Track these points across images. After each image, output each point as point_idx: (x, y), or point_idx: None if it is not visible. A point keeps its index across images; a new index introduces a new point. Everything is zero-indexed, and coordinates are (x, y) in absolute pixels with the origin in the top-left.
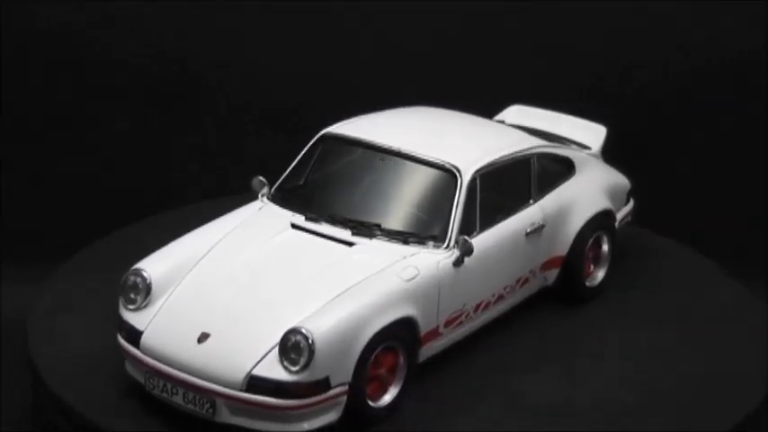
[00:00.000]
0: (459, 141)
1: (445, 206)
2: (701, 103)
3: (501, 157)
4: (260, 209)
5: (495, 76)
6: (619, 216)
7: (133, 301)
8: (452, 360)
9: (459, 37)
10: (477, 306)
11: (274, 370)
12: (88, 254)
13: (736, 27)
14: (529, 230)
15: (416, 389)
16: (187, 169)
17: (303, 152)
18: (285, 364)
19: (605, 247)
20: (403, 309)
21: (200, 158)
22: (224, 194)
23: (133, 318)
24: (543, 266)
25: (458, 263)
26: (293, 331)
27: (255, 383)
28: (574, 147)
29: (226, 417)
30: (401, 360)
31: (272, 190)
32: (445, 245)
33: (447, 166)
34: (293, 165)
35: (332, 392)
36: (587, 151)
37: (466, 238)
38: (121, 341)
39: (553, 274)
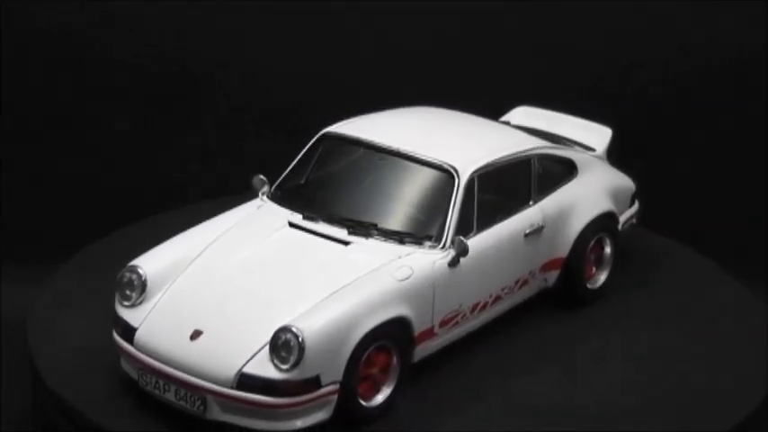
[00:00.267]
0: (459, 142)
1: (442, 206)
2: (701, 103)
3: (500, 158)
4: (259, 207)
5: (495, 76)
6: (622, 218)
7: (128, 298)
8: (450, 360)
9: (459, 37)
10: (474, 307)
11: (265, 368)
12: (88, 254)
13: (736, 27)
14: (528, 231)
15: (413, 389)
16: (187, 169)
17: (303, 151)
18: (275, 362)
19: (608, 250)
20: (396, 308)
21: (200, 158)
22: (224, 194)
23: (128, 314)
24: (543, 268)
25: (453, 263)
26: (284, 329)
27: (246, 381)
28: (578, 148)
29: (217, 414)
30: (394, 360)
31: (272, 189)
32: (441, 245)
33: (445, 166)
34: (293, 164)
35: (322, 391)
36: (592, 153)
37: (461, 238)
38: (116, 337)
39: (553, 276)
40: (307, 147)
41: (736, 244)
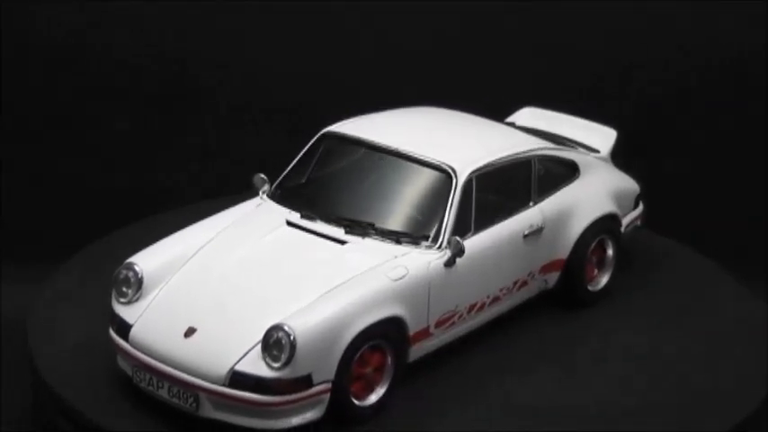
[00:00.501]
0: (458, 142)
1: (440, 206)
2: (701, 103)
3: (499, 159)
4: (258, 206)
5: (495, 76)
6: (626, 220)
7: (125, 295)
8: (448, 360)
9: (459, 37)
10: (471, 307)
11: (257, 366)
12: (88, 254)
13: (736, 27)
14: (527, 232)
15: (410, 388)
16: (187, 169)
17: (304, 151)
18: (267, 360)
19: (610, 252)
20: (390, 308)
21: (200, 158)
22: (224, 194)
23: (124, 311)
24: (543, 269)
25: (449, 263)
26: (275, 328)
27: (238, 379)
28: (581, 150)
29: (209, 411)
30: (388, 360)
31: (272, 188)
32: (437, 245)
33: (443, 166)
34: (293, 163)
35: (314, 390)
36: (595, 154)
37: (458, 238)
38: (112, 334)
39: (554, 278)
40: (307, 146)
41: (736, 244)
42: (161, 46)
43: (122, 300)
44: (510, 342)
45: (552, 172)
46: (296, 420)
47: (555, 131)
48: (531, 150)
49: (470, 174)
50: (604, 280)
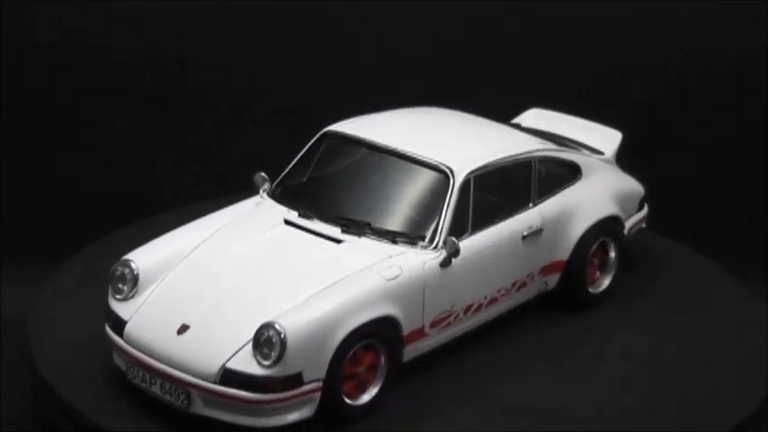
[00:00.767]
0: (457, 143)
1: (437, 207)
2: (701, 103)
3: (498, 160)
4: (257, 204)
5: (495, 77)
6: (629, 222)
7: (120, 292)
8: (445, 360)
9: (459, 37)
10: (468, 308)
11: (248, 364)
12: (88, 254)
13: (736, 27)
14: (525, 234)
15: (406, 388)
16: (187, 169)
17: (304, 150)
18: (258, 358)
19: (612, 254)
20: (383, 308)
21: (200, 158)
22: (224, 194)
23: (119, 308)
24: (543, 271)
25: (445, 264)
26: (266, 326)
27: (229, 376)
28: (585, 151)
29: (200, 408)
30: (382, 359)
31: (272, 186)
32: (433, 245)
33: (440, 166)
34: (293, 162)
35: (305, 388)
36: (600, 156)
37: (453, 239)
38: (108, 330)
39: (554, 279)
40: (308, 145)
41: (736, 244)
42: (161, 46)
43: (118, 296)
44: (509, 342)
45: (554, 173)
46: (287, 419)
47: (560, 133)
48: (532, 151)
49: (468, 174)
50: (606, 282)
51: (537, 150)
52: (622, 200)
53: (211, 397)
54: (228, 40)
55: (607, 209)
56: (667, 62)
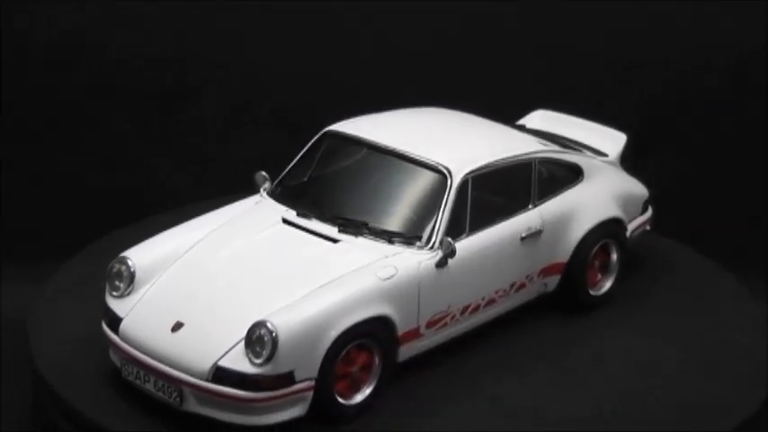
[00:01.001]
0: (457, 143)
1: (434, 207)
2: (701, 103)
3: (497, 161)
4: (256, 203)
5: (495, 77)
6: (632, 225)
7: (117, 289)
8: (442, 360)
9: (460, 37)
10: (465, 308)
11: (240, 362)
12: (88, 254)
13: (736, 27)
14: (524, 235)
15: (401, 388)
16: (187, 169)
17: (305, 149)
18: (250, 356)
19: (614, 256)
20: (377, 307)
21: (200, 158)
22: (224, 194)
23: (116, 305)
24: (542, 272)
25: (441, 264)
26: (258, 324)
27: (221, 374)
28: (588, 153)
29: (193, 406)
30: (376, 359)
31: (272, 186)
32: (429, 246)
33: (438, 167)
34: (294, 162)
35: (296, 387)
36: (603, 158)
37: (449, 239)
38: (104, 327)
39: (554, 281)
40: (308, 145)
41: (736, 244)
42: (161, 46)
43: (115, 293)
44: (509, 343)
45: (555, 175)
46: (279, 417)
47: (565, 134)
48: (532, 152)
49: (466, 175)
50: (608, 285)
51: (537, 151)
52: (625, 202)
53: (203, 395)
54: (228, 40)
55: (609, 211)
56: (667, 62)
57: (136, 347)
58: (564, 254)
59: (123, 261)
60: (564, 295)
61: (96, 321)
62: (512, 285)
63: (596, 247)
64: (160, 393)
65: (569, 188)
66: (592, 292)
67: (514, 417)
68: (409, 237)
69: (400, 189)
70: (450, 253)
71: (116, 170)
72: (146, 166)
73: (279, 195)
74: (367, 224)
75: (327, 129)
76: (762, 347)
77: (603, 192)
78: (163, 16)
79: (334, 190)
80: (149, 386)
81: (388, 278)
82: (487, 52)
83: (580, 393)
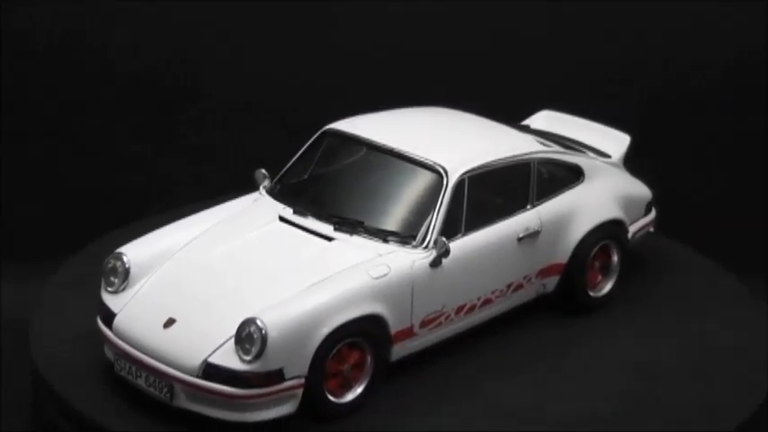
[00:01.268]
0: (455, 143)
1: (430, 206)
2: (702, 103)
3: (495, 161)
4: (255, 201)
5: (495, 77)
6: (635, 227)
7: (112, 284)
8: (439, 360)
9: (460, 37)
10: (460, 308)
11: (229, 359)
12: (88, 254)
13: (736, 27)
14: (522, 235)
15: (396, 387)
16: (187, 169)
17: (305, 147)
18: (239, 353)
19: (615, 258)
20: (369, 306)
21: (200, 158)
22: (224, 194)
23: (110, 300)
24: (541, 273)
25: (435, 264)
26: (248, 321)
27: (211, 371)
28: (590, 154)
29: (183, 402)
30: (368, 358)
31: (271, 183)
32: (424, 245)
33: (435, 166)
34: (293, 159)
35: (286, 384)
36: (606, 159)
37: (444, 239)
38: (99, 323)
39: (553, 282)
40: (308, 143)
41: (736, 244)
42: (161, 46)
43: (110, 289)
44: (508, 343)
45: (556, 176)
46: (268, 414)
47: (569, 135)
48: (530, 153)
49: (462, 175)
50: (608, 286)
51: (536, 152)
52: (627, 203)
53: (193, 391)
54: (228, 40)
55: (609, 212)
56: (667, 62)
57: (128, 343)
58: (563, 255)
59: (118, 257)
60: (563, 296)
61: (96, 321)
62: (509, 286)
63: (596, 249)
64: (151, 389)
65: (569, 189)
66: (592, 294)
67: (512, 417)
68: (404, 236)
69: (397, 188)
70: (445, 252)
71: (116, 170)
72: (146, 166)
73: (277, 193)
74: (362, 223)
75: (327, 127)
76: (761, 348)
77: (604, 193)
78: (163, 16)
79: (331, 188)
80: (141, 382)
81: (381, 277)
82: (487, 53)
83: (579, 394)
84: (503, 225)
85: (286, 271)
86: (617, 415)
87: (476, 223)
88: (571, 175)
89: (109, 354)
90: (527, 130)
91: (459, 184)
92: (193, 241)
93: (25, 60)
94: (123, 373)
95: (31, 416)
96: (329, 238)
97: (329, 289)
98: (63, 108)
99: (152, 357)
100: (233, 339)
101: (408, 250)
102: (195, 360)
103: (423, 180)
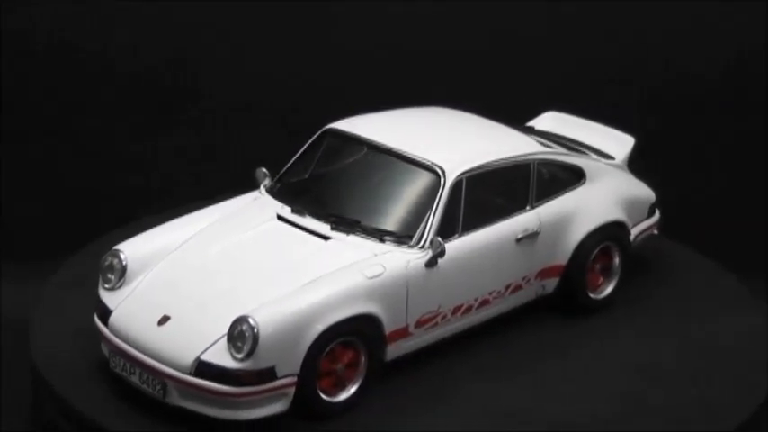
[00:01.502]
0: (455, 143)
1: (427, 207)
2: (702, 103)
3: (493, 161)
4: (255, 199)
5: (496, 77)
6: (637, 229)
7: (109, 281)
8: (437, 360)
9: (461, 37)
10: (457, 309)
11: (222, 356)
12: (88, 254)
13: (736, 27)
14: (520, 236)
15: (391, 387)
16: (187, 169)
17: (305, 147)
18: (231, 351)
19: (616, 260)
20: (363, 305)
21: (200, 158)
22: (224, 194)
23: (107, 297)
24: (540, 274)
25: (431, 264)
26: (240, 320)
27: (203, 368)
28: (593, 156)
29: (176, 399)
30: (362, 357)
31: (271, 182)
32: (420, 245)
33: (433, 166)
34: (294, 159)
35: (278, 383)
36: (609, 161)
37: (439, 239)
38: (95, 319)
39: (552, 284)
40: (309, 142)
41: (736, 244)
42: (161, 46)
43: (107, 286)
44: (507, 343)
45: (557, 177)
46: (260, 412)
47: (573, 136)
48: (530, 154)
49: (460, 175)
50: (609, 288)
51: (536, 153)
52: (629, 205)
53: (186, 388)
54: (228, 40)
55: (610, 214)
56: (667, 62)
57: (123, 340)
58: (563, 256)
59: (116, 254)
60: (563, 298)
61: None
62: (507, 287)
63: (596, 251)
64: (145, 386)
65: (570, 190)
66: (592, 296)
67: (511, 417)
68: (401, 236)
69: (395, 188)
70: (440, 253)
71: (116, 170)
72: (146, 166)
73: (277, 192)
74: (359, 222)
75: (327, 127)
76: (761, 348)
77: (606, 195)
78: (163, 16)
79: (331, 188)
80: (135, 378)
81: (375, 276)
82: (487, 53)
83: (579, 395)
84: (501, 226)
85: (281, 270)
86: (617, 415)
87: (473, 224)
88: (572, 177)
89: (105, 350)
90: (531, 131)
91: (457, 185)
92: (191, 239)
93: (25, 60)
94: (118, 370)
95: (31, 416)
96: (326, 238)
97: (322, 288)
98: (63, 108)
99: (146, 354)
100: (226, 337)
101: (404, 250)
102: (188, 357)
103: (421, 180)
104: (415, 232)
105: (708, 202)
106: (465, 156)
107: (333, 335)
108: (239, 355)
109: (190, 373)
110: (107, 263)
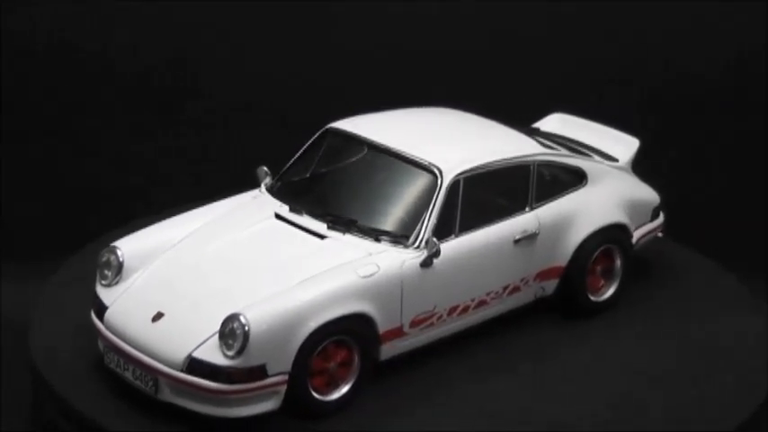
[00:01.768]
0: (454, 143)
1: (424, 207)
2: (702, 103)
3: (492, 162)
4: (254, 198)
5: (496, 77)
6: (640, 231)
7: (105, 278)
8: (432, 360)
9: (461, 37)
10: (453, 309)
11: (213, 354)
12: (88, 253)
13: (736, 27)
14: (518, 238)
15: (387, 386)
16: (187, 169)
17: (306, 146)
18: (222, 348)
19: (617, 263)
20: (355, 304)
21: (200, 158)
22: (224, 194)
23: (103, 293)
24: (539, 276)
25: (426, 264)
26: (231, 317)
27: (194, 365)
28: (596, 158)
29: (168, 396)
30: (355, 356)
31: (272, 181)
32: (415, 245)
33: (430, 166)
34: (294, 158)
35: (269, 381)
36: (612, 163)
37: (435, 239)
38: (92, 315)
39: (552, 285)
40: (309, 141)
41: (736, 244)
42: (161, 46)
43: (103, 282)
44: (506, 344)
45: (559, 178)
46: (251, 410)
47: (578, 138)
48: (529, 155)
49: (457, 175)
50: (611, 290)
51: (535, 154)
52: (631, 208)
53: (177, 385)
54: (228, 40)
55: (612, 216)
56: (667, 62)
57: (118, 336)
58: (562, 258)
59: (113, 251)
60: (563, 300)
61: None
62: (505, 288)
63: (597, 253)
64: (137, 382)
65: (570, 192)
66: (593, 298)
67: (509, 418)
68: (396, 235)
69: (393, 188)
70: (435, 253)
71: (116, 170)
72: (146, 166)
73: (276, 191)
74: (356, 222)
75: (329, 126)
76: (761, 348)
77: (607, 197)
78: (163, 16)
79: (330, 187)
80: (128, 374)
81: (369, 276)
82: (487, 53)
83: (578, 395)
84: (499, 227)
85: (276, 268)
86: (617, 416)
87: (471, 224)
88: (574, 179)
89: (100, 346)
90: (536, 132)
91: (454, 185)
92: (188, 237)
93: (25, 60)
94: (112, 366)
95: (31, 416)
96: (322, 237)
97: (315, 286)
98: (63, 108)
99: (139, 351)
100: (217, 335)
101: (400, 250)
102: (180, 354)
103: (418, 180)
104: (411, 232)
105: (708, 203)
106: (463, 156)
107: (324, 333)
108: (230, 353)
109: (181, 370)
110: (104, 259)
